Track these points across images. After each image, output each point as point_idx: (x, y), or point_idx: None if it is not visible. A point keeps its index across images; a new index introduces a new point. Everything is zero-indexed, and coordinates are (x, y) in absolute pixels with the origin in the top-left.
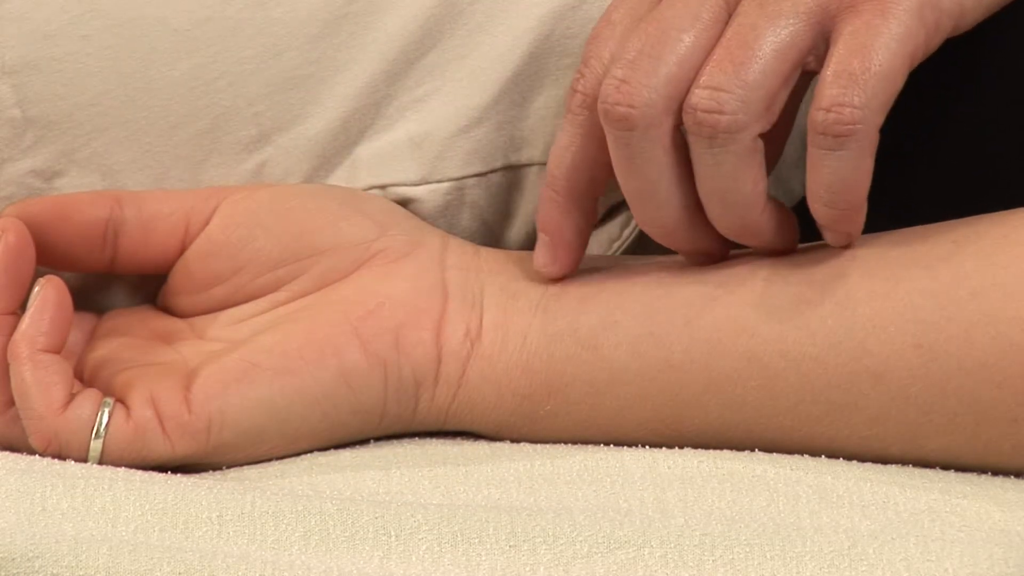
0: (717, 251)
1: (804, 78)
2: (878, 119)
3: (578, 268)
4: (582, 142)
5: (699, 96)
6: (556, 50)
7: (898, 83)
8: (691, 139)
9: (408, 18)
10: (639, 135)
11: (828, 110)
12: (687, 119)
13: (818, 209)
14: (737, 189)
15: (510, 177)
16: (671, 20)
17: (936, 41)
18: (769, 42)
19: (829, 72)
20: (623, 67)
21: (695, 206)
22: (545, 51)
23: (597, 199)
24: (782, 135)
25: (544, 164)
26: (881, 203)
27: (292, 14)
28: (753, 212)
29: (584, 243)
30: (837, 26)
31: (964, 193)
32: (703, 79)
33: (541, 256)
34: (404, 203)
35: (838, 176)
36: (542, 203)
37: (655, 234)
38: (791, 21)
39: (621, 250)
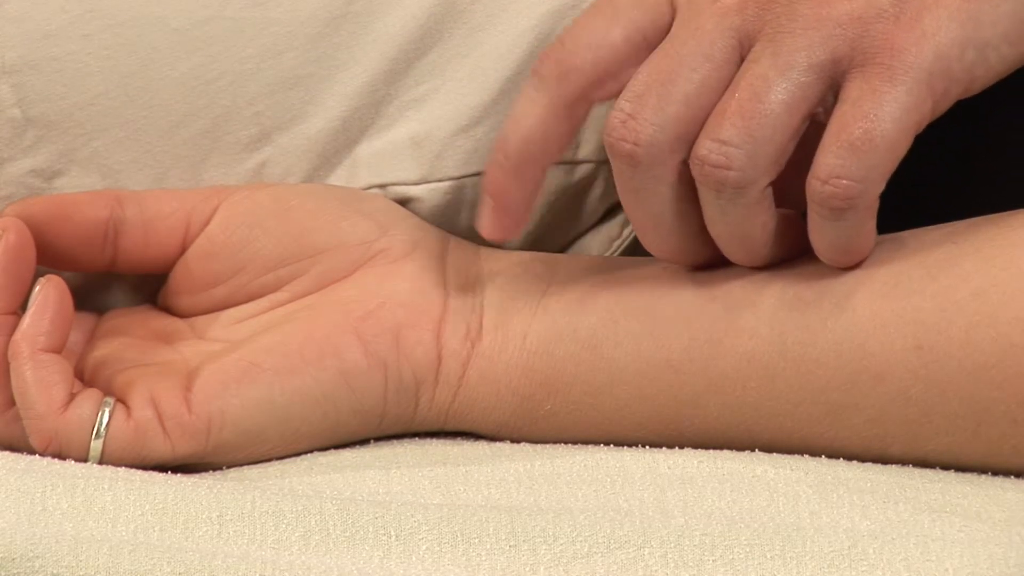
0: (721, 262)
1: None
2: (878, 188)
3: (522, 234)
4: (545, 113)
5: (708, 148)
6: None
7: (901, 153)
8: (699, 187)
9: (408, 17)
10: (643, 171)
11: (825, 181)
12: (695, 169)
13: (822, 258)
14: (746, 233)
15: None
16: (683, 57)
17: (943, 108)
18: (780, 95)
19: (829, 139)
20: (631, 100)
21: (701, 232)
22: None
23: (547, 169)
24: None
25: None
26: (882, 204)
27: (292, 14)
28: (761, 250)
29: (529, 210)
30: (846, 83)
31: (966, 194)
32: (713, 131)
33: (484, 220)
34: (404, 202)
35: (839, 240)
36: (490, 166)
37: (660, 256)
38: (803, 74)
39: (621, 250)
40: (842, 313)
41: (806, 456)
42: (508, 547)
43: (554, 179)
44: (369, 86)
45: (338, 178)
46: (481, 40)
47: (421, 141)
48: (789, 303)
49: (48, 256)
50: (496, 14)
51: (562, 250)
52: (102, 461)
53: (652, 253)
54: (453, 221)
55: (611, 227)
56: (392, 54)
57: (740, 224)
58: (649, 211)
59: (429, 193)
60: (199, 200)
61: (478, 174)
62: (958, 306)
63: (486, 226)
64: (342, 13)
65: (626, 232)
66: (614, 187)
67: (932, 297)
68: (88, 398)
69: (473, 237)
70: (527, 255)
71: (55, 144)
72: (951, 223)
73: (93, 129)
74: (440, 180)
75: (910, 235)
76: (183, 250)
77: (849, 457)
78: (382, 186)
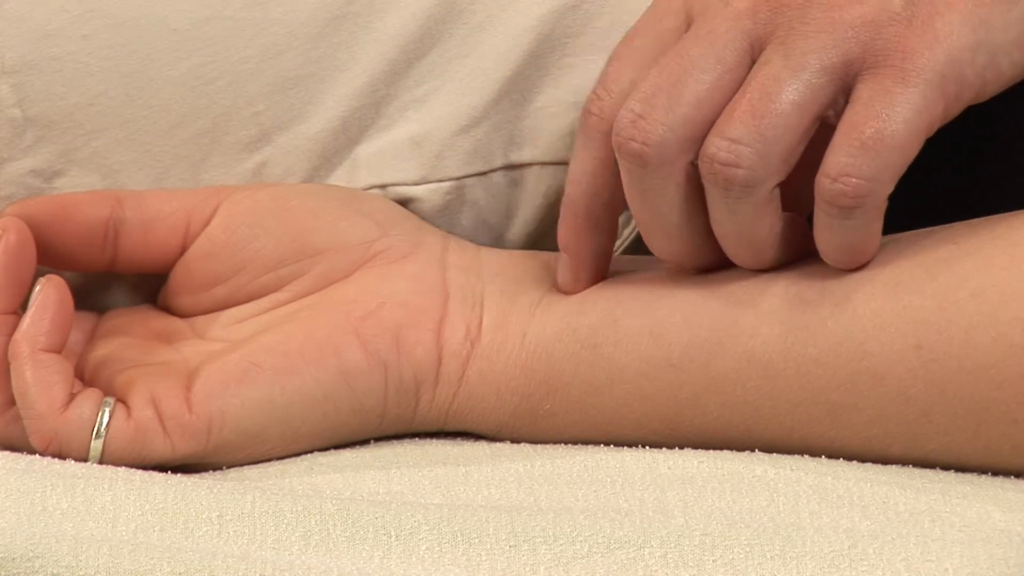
0: (725, 266)
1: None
2: (887, 189)
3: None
4: (597, 167)
5: (717, 146)
6: (556, 49)
7: (911, 154)
8: (707, 185)
9: (408, 17)
10: (651, 172)
11: (835, 179)
12: (703, 167)
13: (827, 259)
14: (752, 234)
15: (510, 176)
16: (694, 59)
17: (955, 112)
18: (791, 96)
19: (840, 138)
20: (641, 101)
21: (706, 235)
22: (545, 50)
23: (617, 217)
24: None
25: (544, 163)
26: (889, 206)
27: (292, 14)
28: (767, 252)
29: (607, 260)
30: (857, 85)
31: (972, 196)
32: (722, 129)
33: (563, 275)
34: (404, 202)
35: (846, 240)
36: (562, 222)
37: (665, 258)
38: (815, 75)
39: (621, 249)
40: (842, 313)
41: (806, 456)
42: (508, 547)
43: (555, 179)
44: (369, 86)
45: (338, 178)
46: (481, 40)
47: (421, 141)
48: (790, 303)
49: (48, 256)
50: (496, 14)
51: None
52: (102, 461)
53: (657, 255)
54: (453, 221)
55: None
56: (392, 54)
57: (747, 225)
58: (656, 212)
59: (429, 193)
60: (199, 200)
61: (478, 174)
62: (958, 306)
63: (567, 282)
64: (342, 13)
65: (626, 232)
66: None
67: (932, 297)
68: (88, 398)
69: (473, 237)
70: (527, 255)
71: (55, 144)
72: (953, 224)
73: (93, 129)
74: (440, 180)
75: (911, 235)
76: (183, 250)
77: (849, 457)
78: (382, 186)
